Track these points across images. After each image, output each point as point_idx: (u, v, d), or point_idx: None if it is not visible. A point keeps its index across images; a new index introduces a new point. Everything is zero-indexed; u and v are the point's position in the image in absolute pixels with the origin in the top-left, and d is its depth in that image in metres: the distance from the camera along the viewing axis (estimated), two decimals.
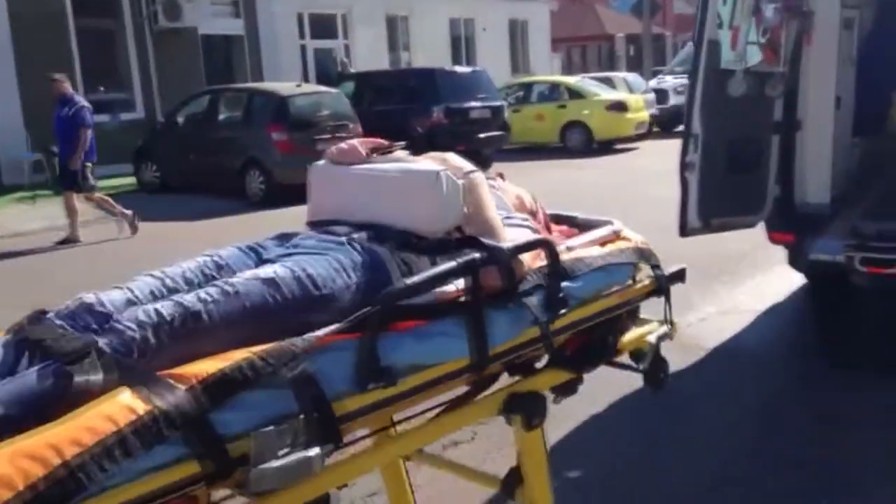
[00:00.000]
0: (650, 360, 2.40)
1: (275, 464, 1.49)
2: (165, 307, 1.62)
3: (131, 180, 14.82)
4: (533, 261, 2.07)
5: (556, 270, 2.07)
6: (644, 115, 18.61)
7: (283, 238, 2.07)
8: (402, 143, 2.36)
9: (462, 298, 1.91)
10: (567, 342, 2.21)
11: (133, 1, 17.20)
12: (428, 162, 2.22)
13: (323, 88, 14.53)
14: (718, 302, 6.16)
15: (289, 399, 1.57)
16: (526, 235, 2.16)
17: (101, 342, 1.54)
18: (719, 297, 6.26)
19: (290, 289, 1.73)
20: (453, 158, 2.22)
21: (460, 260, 1.88)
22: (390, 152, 2.29)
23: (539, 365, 2.25)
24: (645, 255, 2.40)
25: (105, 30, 17.38)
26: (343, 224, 2.07)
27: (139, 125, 16.45)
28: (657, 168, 14.84)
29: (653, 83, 21.84)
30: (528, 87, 19.55)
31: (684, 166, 4.75)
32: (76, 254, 9.64)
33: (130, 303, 1.73)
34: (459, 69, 17.11)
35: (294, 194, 12.61)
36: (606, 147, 17.96)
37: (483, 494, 3.15)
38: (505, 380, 2.22)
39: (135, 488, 1.37)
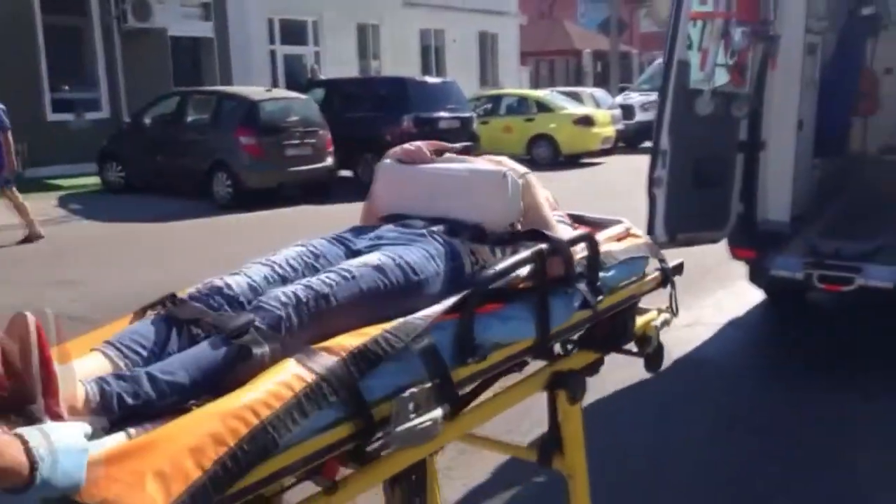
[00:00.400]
0: (655, 345, 2.67)
1: (411, 424, 1.73)
2: (299, 290, 1.82)
3: (95, 180, 14.67)
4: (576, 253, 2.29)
5: (597, 262, 2.31)
6: (610, 131, 18.88)
7: (361, 231, 2.27)
8: (460, 145, 2.61)
9: (525, 285, 2.15)
10: (596, 326, 2.43)
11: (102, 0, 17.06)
12: (487, 163, 2.46)
13: (293, 94, 14.51)
14: (683, 315, 6.28)
15: (418, 368, 1.80)
16: (569, 231, 2.42)
17: (256, 320, 1.72)
18: (684, 311, 6.38)
19: (394, 275, 1.96)
20: (507, 161, 2.47)
21: (533, 250, 2.12)
22: (442, 153, 2.55)
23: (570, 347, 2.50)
24: (653, 250, 2.67)
25: (72, 28, 17.19)
26: (415, 218, 2.28)
27: (105, 125, 16.28)
28: (624, 182, 15.09)
29: (619, 99, 22.15)
30: (496, 99, 19.71)
31: (652, 182, 4.87)
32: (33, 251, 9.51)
33: (251, 287, 1.92)
34: (430, 79, 17.19)
35: (261, 198, 12.69)
36: (573, 161, 18.18)
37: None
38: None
39: (307, 446, 1.57)
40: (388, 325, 1.78)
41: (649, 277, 2.64)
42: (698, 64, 4.88)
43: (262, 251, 2.14)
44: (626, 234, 2.67)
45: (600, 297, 2.31)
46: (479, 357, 1.93)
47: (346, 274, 1.90)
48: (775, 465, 3.88)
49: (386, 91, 15.68)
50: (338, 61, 21.66)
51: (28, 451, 1.20)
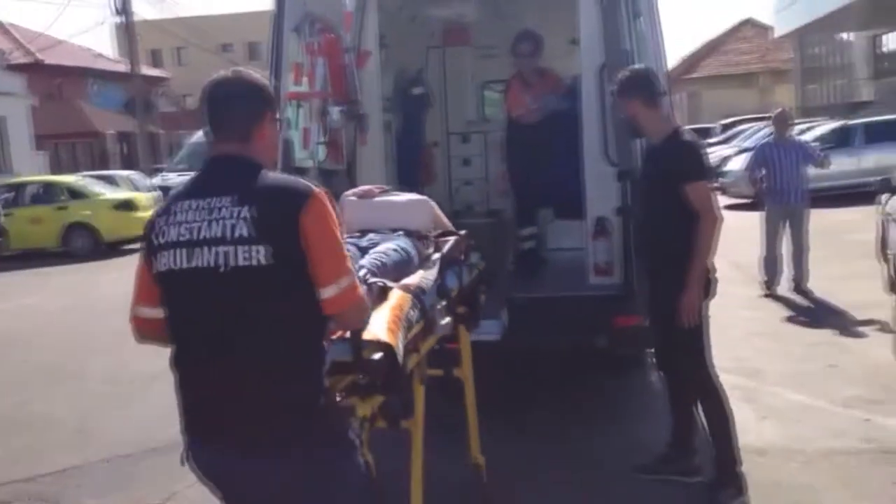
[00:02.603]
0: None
1: (444, 322, 3.50)
2: (368, 261, 3.28)
3: None
4: None
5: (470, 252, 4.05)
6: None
7: (359, 236, 3.67)
8: (388, 187, 4.44)
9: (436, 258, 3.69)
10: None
11: None
12: (409, 194, 4.22)
13: None
14: None
15: (434, 296, 3.41)
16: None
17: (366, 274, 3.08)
18: None
19: (401, 255, 3.47)
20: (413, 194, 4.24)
21: (457, 239, 3.90)
22: (385, 192, 4.22)
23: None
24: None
25: None
26: (379, 230, 3.75)
27: None
28: None
29: (157, 181, 21.48)
30: (20, 187, 17.74)
31: None
32: None
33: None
34: None
35: None
36: (115, 248, 17.06)
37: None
38: None
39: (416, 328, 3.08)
40: (416, 277, 3.36)
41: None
42: (301, 142, 4.91)
43: None
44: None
45: (476, 270, 4.04)
46: (447, 295, 3.57)
47: (384, 254, 3.40)
48: None
49: None
50: None
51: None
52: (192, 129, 33.68)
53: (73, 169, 28.03)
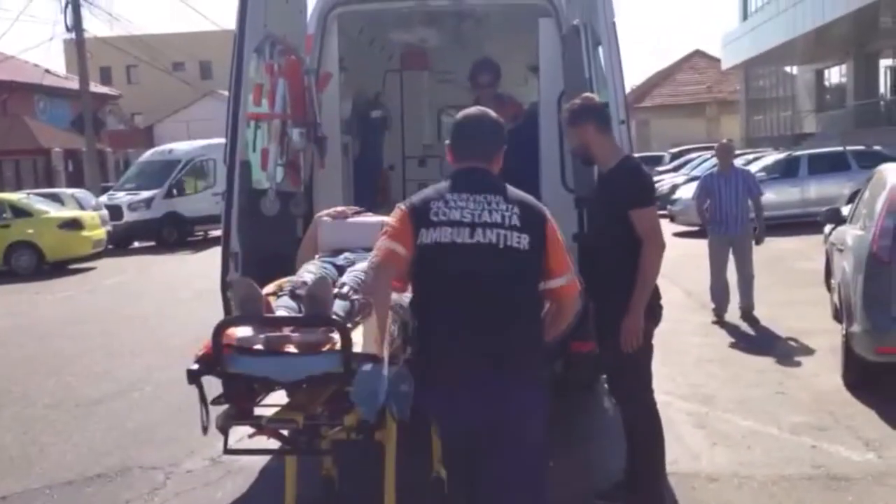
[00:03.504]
0: None
1: None
2: (350, 279, 3.57)
3: None
4: None
5: None
6: (101, 233, 17.81)
7: (331, 257, 3.99)
8: (359, 209, 4.57)
9: None
10: None
11: None
12: (380, 216, 4.12)
13: None
14: None
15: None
16: None
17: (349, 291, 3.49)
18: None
19: None
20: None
21: None
22: (358, 213, 4.46)
23: None
24: None
25: None
26: (350, 251, 3.96)
27: None
28: (132, 287, 14.33)
29: (104, 199, 21.08)
30: None
31: (226, 286, 4.65)
32: None
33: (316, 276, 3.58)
34: None
35: None
36: (60, 267, 16.68)
37: None
38: None
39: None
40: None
41: None
42: (259, 164, 4.86)
43: None
44: None
45: None
46: None
47: (363, 271, 3.30)
48: None
49: None
50: None
51: None
52: (141, 147, 33.26)
53: (17, 186, 27.33)
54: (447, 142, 3.11)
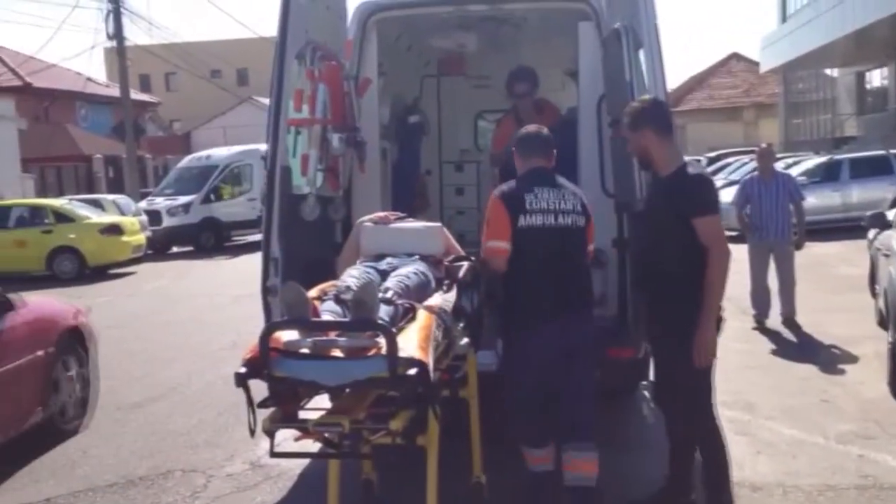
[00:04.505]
0: None
1: (465, 341, 3.87)
2: (393, 283, 3.65)
3: None
4: None
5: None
6: (141, 238, 18.06)
7: (375, 260, 4.06)
8: (402, 214, 4.69)
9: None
10: None
11: None
12: (422, 222, 4.68)
13: None
14: None
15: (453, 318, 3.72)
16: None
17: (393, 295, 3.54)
18: None
19: (420, 278, 3.81)
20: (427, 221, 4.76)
21: (470, 266, 4.11)
22: (400, 219, 4.56)
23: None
24: None
25: None
26: (392, 255, 4.06)
27: None
28: (170, 292, 14.49)
29: (143, 205, 21.37)
30: (4, 210, 17.58)
31: (266, 291, 4.68)
32: None
33: (361, 281, 3.67)
34: None
35: None
36: (101, 272, 16.93)
37: None
38: None
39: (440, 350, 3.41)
40: (438, 299, 3.70)
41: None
42: (299, 169, 4.89)
43: None
44: None
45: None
46: (466, 317, 3.91)
47: (405, 277, 3.72)
48: None
49: None
50: None
51: None
52: (179, 153, 33.66)
53: (59, 192, 27.84)
54: (513, 148, 4.17)
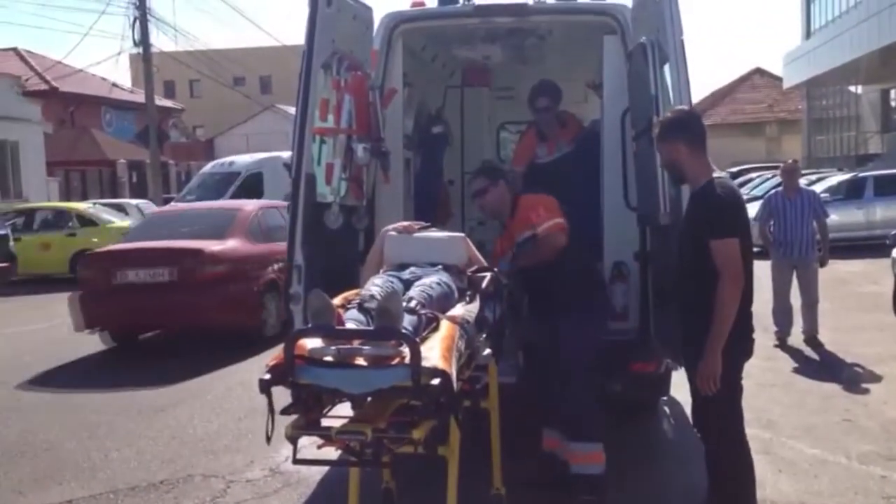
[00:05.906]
0: None
1: (487, 351, 3.95)
2: (417, 293, 3.62)
3: None
4: None
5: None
6: None
7: (398, 269, 4.05)
8: (426, 224, 4.67)
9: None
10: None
11: None
12: (446, 231, 4.70)
13: None
14: None
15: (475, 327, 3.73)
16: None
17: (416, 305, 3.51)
18: None
19: (443, 288, 3.80)
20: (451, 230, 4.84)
21: (492, 276, 4.16)
22: (424, 228, 4.54)
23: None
24: None
25: None
26: (415, 265, 4.06)
27: None
28: None
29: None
30: (29, 213, 17.79)
31: (289, 298, 4.71)
32: None
33: (385, 290, 3.64)
34: None
35: None
36: None
37: None
38: None
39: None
40: (461, 310, 3.69)
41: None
42: (324, 178, 4.91)
43: None
44: None
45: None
46: (488, 328, 3.96)
47: (429, 288, 3.70)
48: None
49: None
50: None
51: None
52: (202, 160, 33.87)
53: (83, 196, 28.13)
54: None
